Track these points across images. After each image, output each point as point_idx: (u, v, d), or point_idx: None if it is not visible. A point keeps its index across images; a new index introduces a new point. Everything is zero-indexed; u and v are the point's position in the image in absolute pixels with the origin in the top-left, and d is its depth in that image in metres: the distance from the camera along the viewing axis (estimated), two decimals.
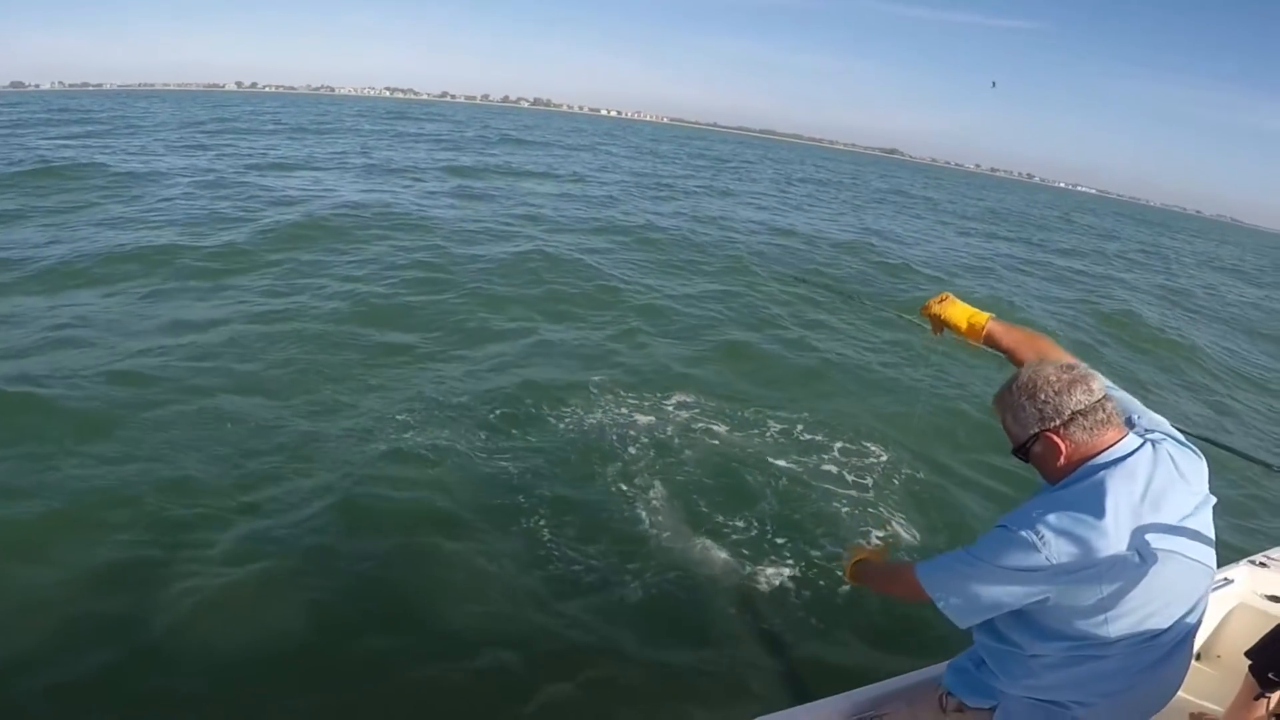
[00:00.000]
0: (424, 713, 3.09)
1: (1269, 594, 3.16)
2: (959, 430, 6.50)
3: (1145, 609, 1.45)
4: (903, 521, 4.90)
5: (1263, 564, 3.33)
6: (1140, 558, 1.40)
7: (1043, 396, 1.54)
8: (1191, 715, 2.84)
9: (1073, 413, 1.51)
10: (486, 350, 7.34)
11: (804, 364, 8.19)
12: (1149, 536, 1.41)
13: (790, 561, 4.29)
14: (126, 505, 4.12)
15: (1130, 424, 1.58)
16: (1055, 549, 1.40)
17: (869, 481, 5.38)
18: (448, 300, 8.97)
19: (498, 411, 5.80)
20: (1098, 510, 1.41)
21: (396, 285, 9.35)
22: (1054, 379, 1.55)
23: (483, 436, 5.41)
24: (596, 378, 6.75)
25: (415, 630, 3.46)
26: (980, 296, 13.24)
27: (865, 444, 5.97)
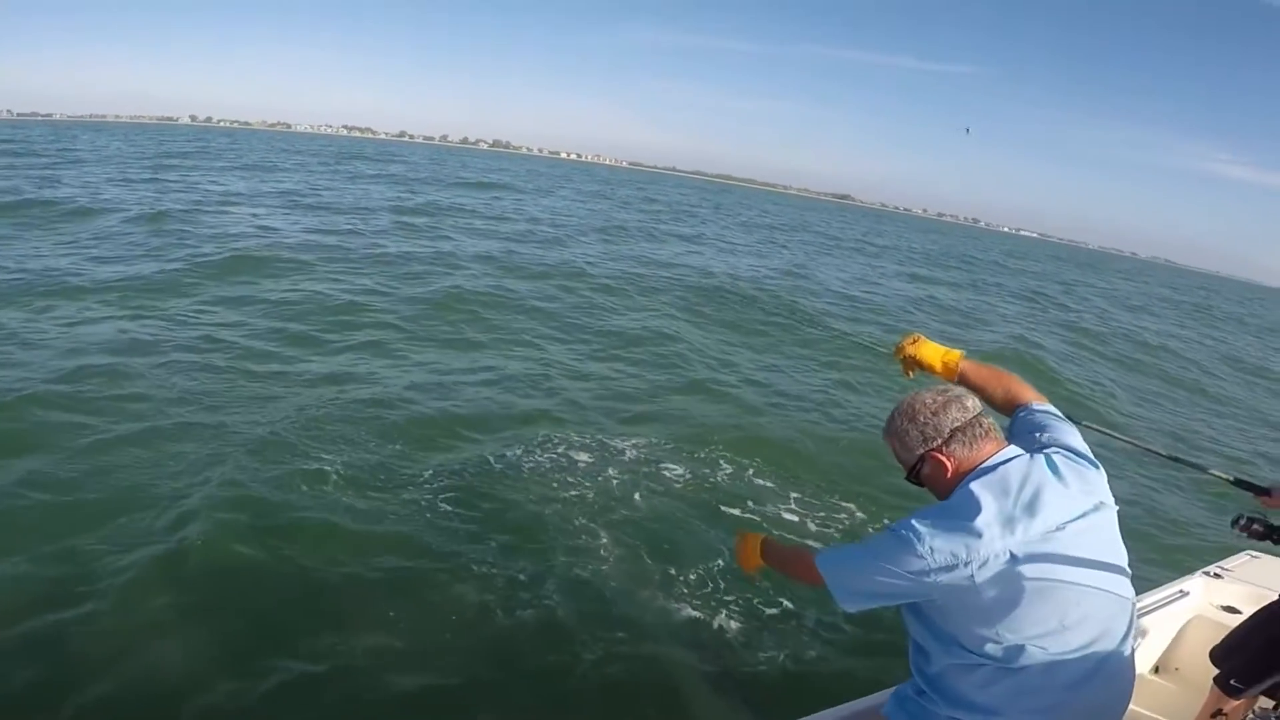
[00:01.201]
0: None
1: (1224, 605, 3.16)
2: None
3: (1039, 614, 1.47)
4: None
5: (1217, 575, 3.35)
6: (1013, 558, 1.44)
7: (922, 419, 1.64)
8: None
9: (951, 430, 1.61)
10: (412, 390, 7.34)
11: (753, 403, 8.37)
12: (1023, 537, 1.45)
13: (729, 600, 4.33)
14: (29, 530, 4.18)
15: (1031, 442, 1.67)
16: (933, 550, 1.46)
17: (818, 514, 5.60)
18: (384, 337, 9.08)
19: (427, 451, 5.77)
20: (969, 513, 1.47)
21: (320, 322, 9.35)
22: (930, 401, 1.66)
23: (410, 476, 5.32)
24: (533, 417, 6.83)
25: (359, 683, 3.38)
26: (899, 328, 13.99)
27: (811, 485, 6.11)
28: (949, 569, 1.45)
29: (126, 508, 4.53)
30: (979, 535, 1.44)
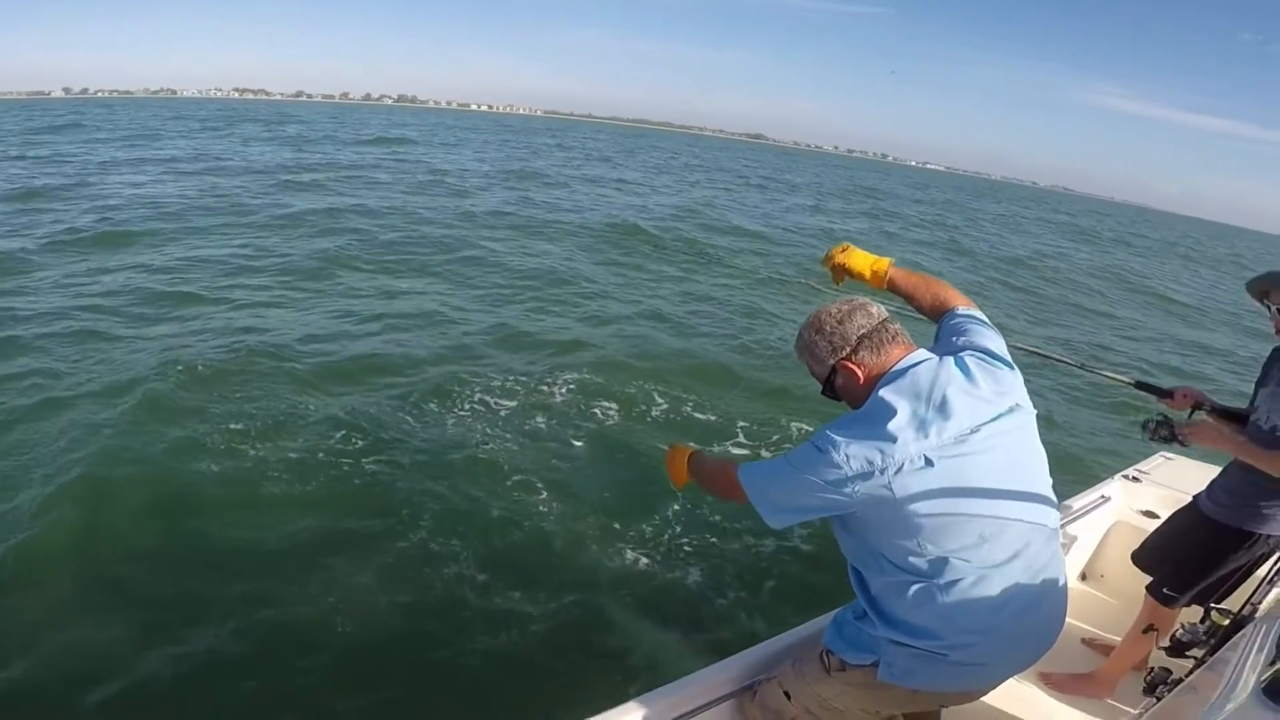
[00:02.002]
0: None
1: (1144, 509, 3.21)
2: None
3: (958, 522, 1.46)
4: None
5: (1135, 478, 3.39)
6: (927, 461, 1.43)
7: (828, 328, 1.63)
8: (1083, 640, 2.85)
9: (858, 337, 1.60)
10: (316, 345, 7.18)
11: (677, 337, 8.57)
12: (936, 440, 1.44)
13: (679, 542, 4.34)
14: None
15: (948, 346, 1.65)
16: (848, 458, 1.44)
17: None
18: (280, 295, 9.01)
19: (356, 413, 5.59)
20: (881, 418, 1.46)
21: (210, 283, 9.22)
22: (835, 311, 1.65)
23: (336, 444, 5.12)
24: (449, 366, 6.72)
25: (289, 656, 3.30)
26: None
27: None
28: (865, 476, 1.44)
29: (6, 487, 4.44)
30: (892, 439, 1.43)
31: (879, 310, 1.66)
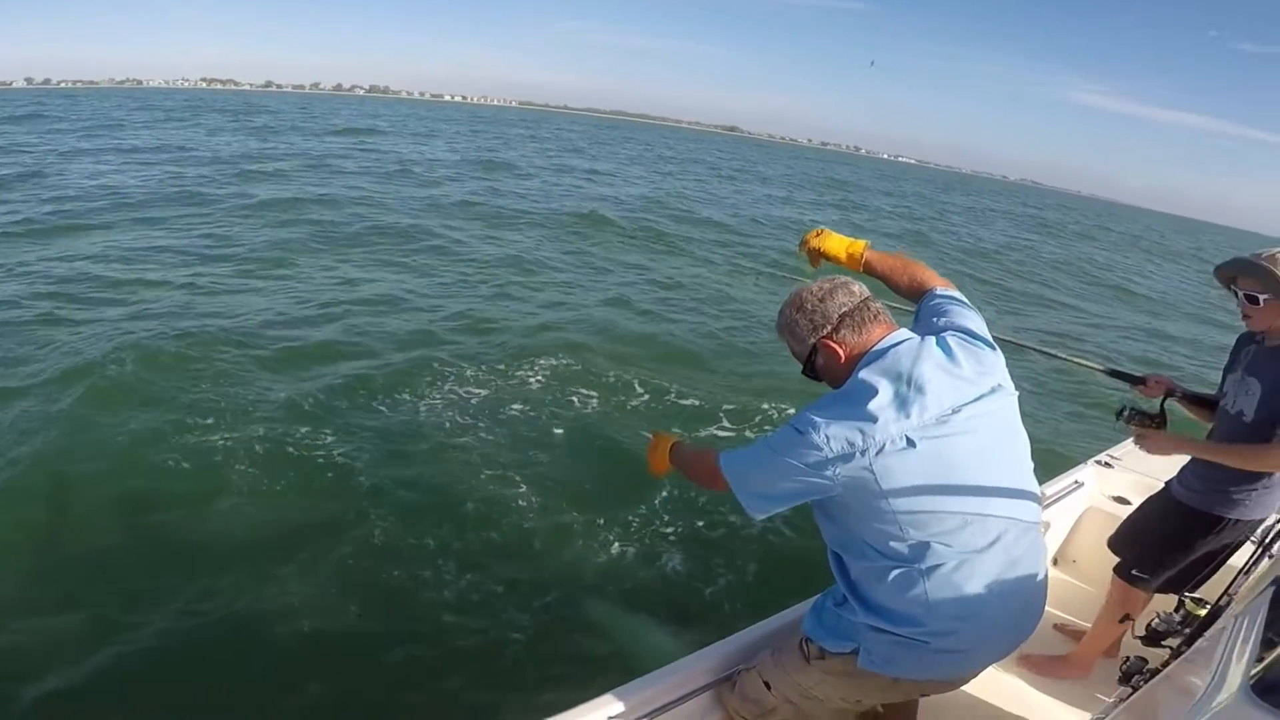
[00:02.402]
0: None
1: (1115, 495, 3.22)
2: None
3: (940, 505, 1.44)
4: None
5: (1107, 464, 3.39)
6: (909, 442, 1.40)
7: (809, 307, 1.61)
8: (1055, 626, 2.84)
9: (839, 316, 1.57)
10: (286, 330, 7.07)
11: (655, 324, 8.56)
12: (918, 421, 1.41)
13: (663, 532, 4.29)
14: None
15: (929, 326, 1.64)
16: (829, 439, 1.41)
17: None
18: (245, 281, 8.87)
19: (321, 403, 5.47)
20: (862, 398, 1.43)
21: (173, 269, 9.09)
22: (816, 290, 1.62)
23: (302, 435, 5.01)
24: (419, 354, 6.63)
25: (248, 653, 3.23)
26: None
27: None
28: (846, 458, 1.41)
29: None
30: (873, 420, 1.40)
31: (861, 289, 1.64)
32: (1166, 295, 19.48)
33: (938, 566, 1.45)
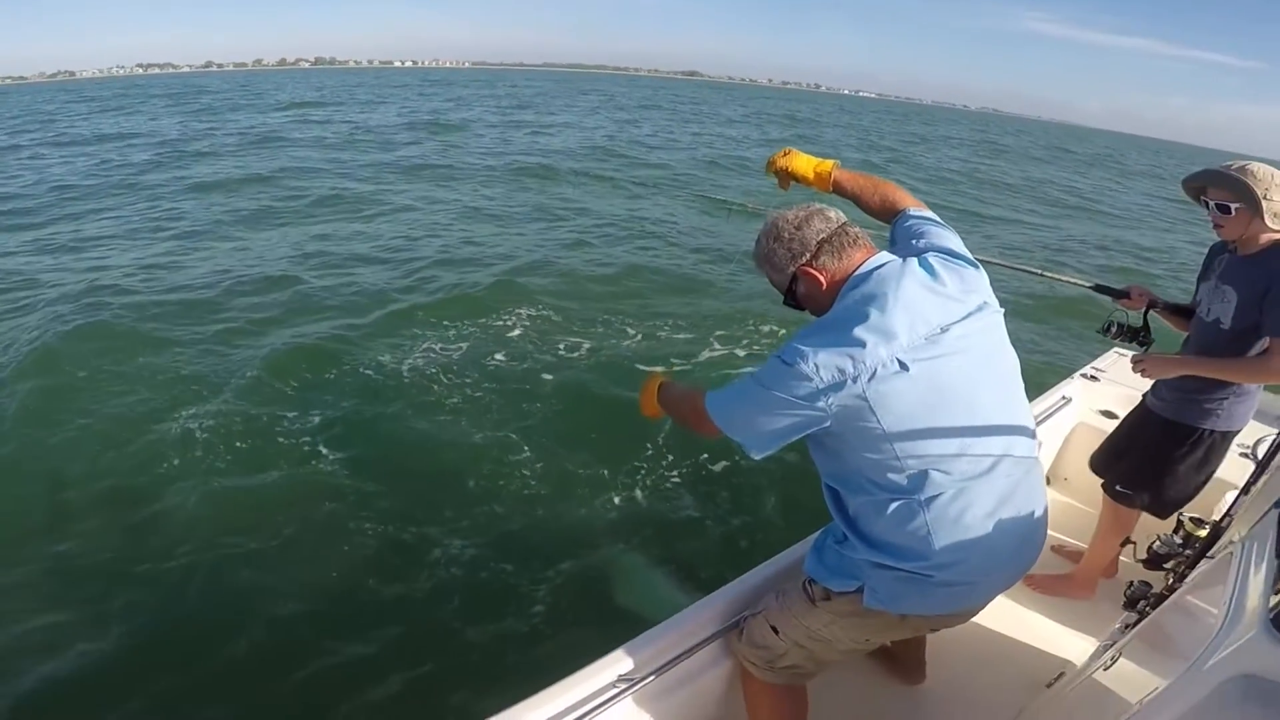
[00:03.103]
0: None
1: (1103, 409, 3.18)
2: None
3: (937, 429, 1.40)
4: None
5: (1093, 377, 3.36)
6: (900, 365, 1.35)
7: (786, 235, 1.56)
8: (1052, 548, 2.82)
9: (818, 242, 1.53)
10: (260, 307, 6.95)
11: (634, 262, 8.63)
12: (907, 342, 1.37)
13: (667, 478, 4.23)
14: None
15: (907, 249, 1.59)
16: (818, 368, 1.36)
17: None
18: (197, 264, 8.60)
19: (300, 373, 5.32)
20: (848, 324, 1.38)
21: (114, 244, 9.00)
22: (792, 218, 1.58)
23: (288, 404, 4.92)
24: (406, 316, 6.55)
25: (262, 637, 3.15)
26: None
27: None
28: (838, 386, 1.35)
29: None
30: (861, 345, 1.35)
31: (837, 214, 1.59)
32: (1131, 210, 19.66)
33: (936, 497, 1.40)
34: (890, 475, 1.42)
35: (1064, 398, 3.16)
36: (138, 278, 7.83)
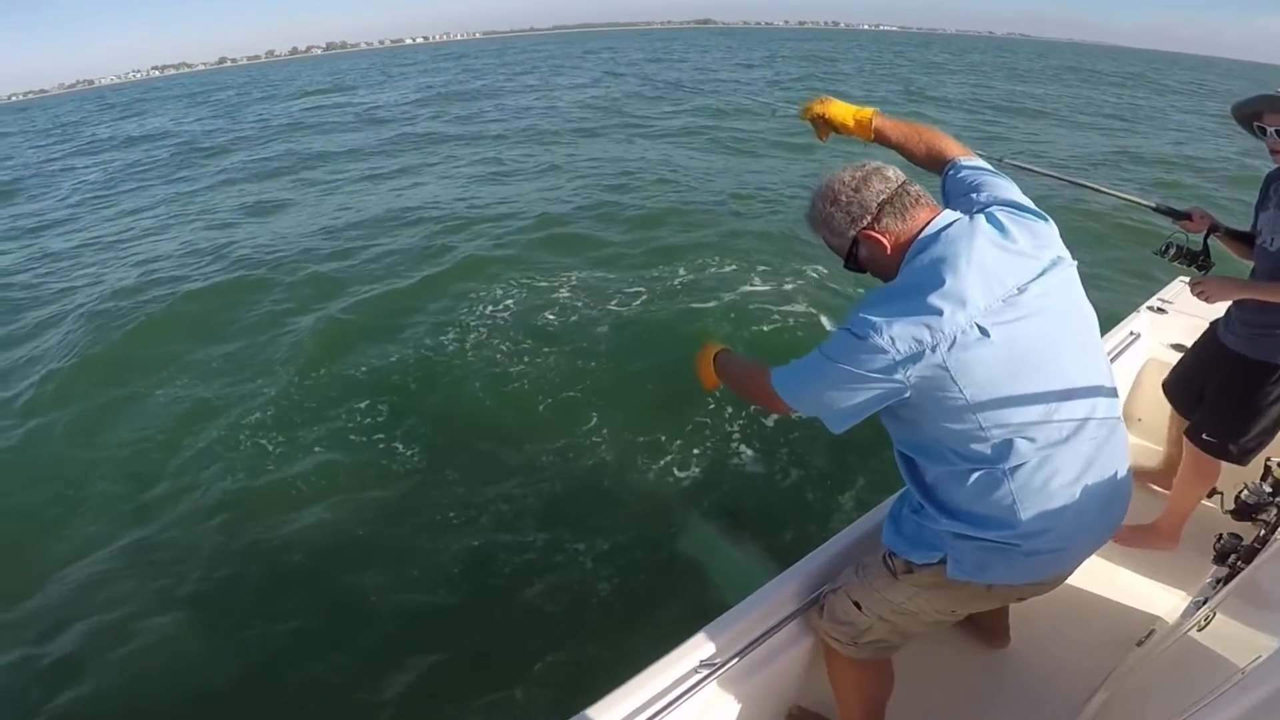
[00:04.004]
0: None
1: (1172, 343, 3.03)
2: None
3: (1022, 395, 1.33)
4: None
5: (1160, 309, 3.23)
6: (981, 330, 1.28)
7: (844, 198, 1.48)
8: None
9: (879, 204, 1.45)
10: (292, 288, 7.11)
11: (672, 208, 8.79)
12: (985, 305, 1.29)
13: (732, 443, 4.17)
14: None
15: (969, 203, 1.50)
16: (894, 340, 1.28)
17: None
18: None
19: (360, 350, 5.42)
20: (922, 290, 1.30)
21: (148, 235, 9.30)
22: (848, 179, 1.49)
23: (348, 385, 5.00)
24: (439, 283, 6.67)
25: (341, 637, 3.18)
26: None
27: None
28: (916, 357, 1.28)
29: None
30: (938, 313, 1.27)
31: (895, 173, 1.50)
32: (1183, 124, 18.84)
33: (1021, 465, 1.34)
34: (973, 445, 1.35)
35: (1132, 333, 3.02)
36: (185, 265, 8.14)
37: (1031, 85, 29.07)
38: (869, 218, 1.46)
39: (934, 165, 1.74)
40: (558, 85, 27.65)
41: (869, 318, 1.32)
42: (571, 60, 46.33)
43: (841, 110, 1.91)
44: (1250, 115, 2.02)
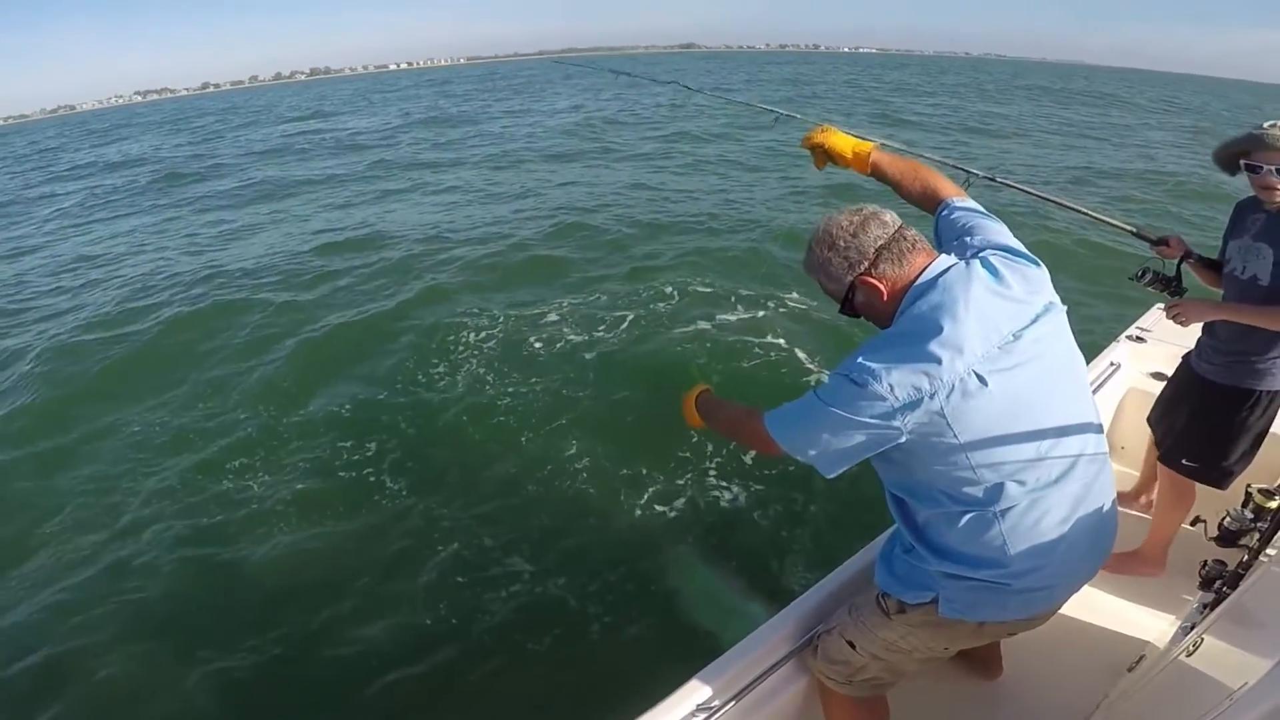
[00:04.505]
0: None
1: (1152, 371, 3.08)
2: None
3: (1015, 439, 1.35)
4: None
5: (1139, 338, 3.27)
6: (979, 378, 1.30)
7: (842, 243, 1.48)
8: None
9: (876, 250, 1.46)
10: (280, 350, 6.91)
11: (655, 225, 8.95)
12: (982, 352, 1.31)
13: (714, 483, 4.14)
14: None
15: (962, 246, 1.53)
16: (893, 387, 1.30)
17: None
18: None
19: (330, 378, 5.40)
20: (920, 337, 1.32)
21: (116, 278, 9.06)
22: (846, 223, 1.50)
23: (333, 414, 4.95)
24: (437, 318, 6.53)
25: (320, 669, 3.16)
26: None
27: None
28: (915, 404, 1.29)
29: None
30: (936, 360, 1.29)
31: (892, 217, 1.51)
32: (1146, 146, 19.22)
33: (1012, 507, 1.36)
34: (965, 489, 1.37)
35: (1112, 363, 3.09)
36: (161, 293, 8.08)
37: (1005, 105, 29.64)
38: (866, 263, 1.47)
39: (927, 204, 1.77)
40: (537, 110, 28.12)
41: (869, 364, 1.33)
42: (554, 84, 46.73)
43: (841, 141, 1.95)
44: (1238, 155, 2.08)
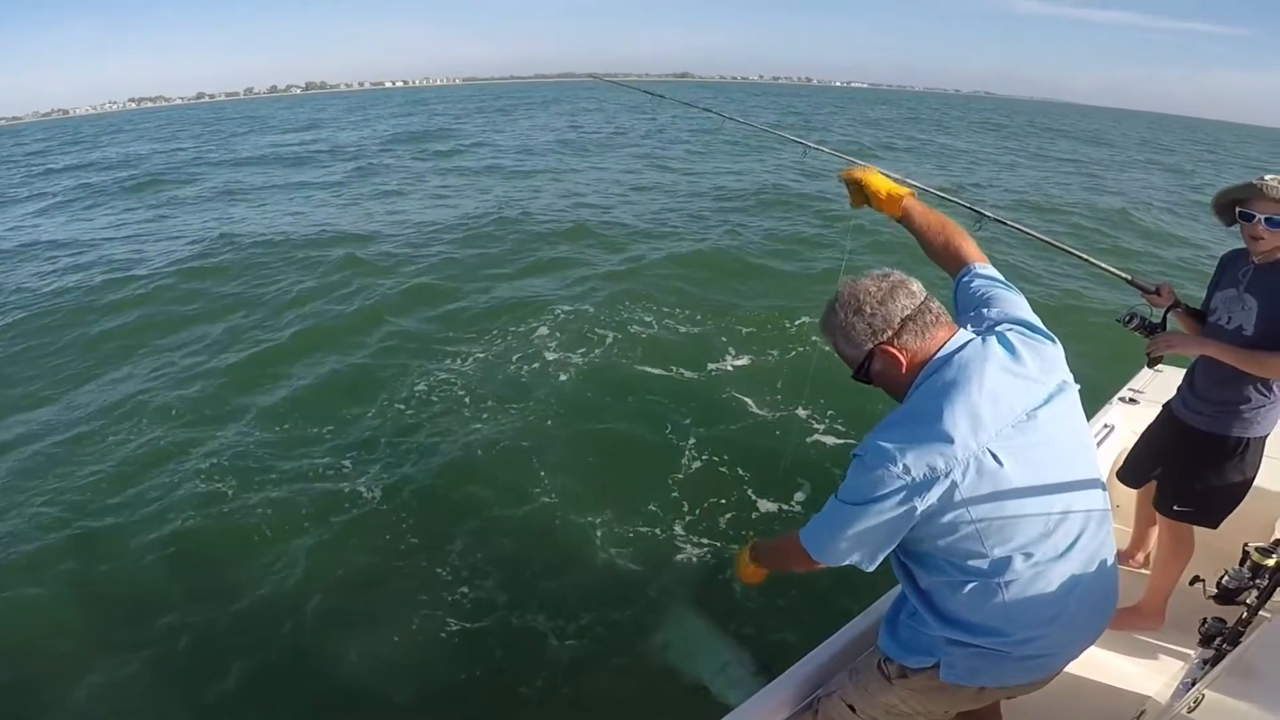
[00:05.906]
0: None
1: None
2: None
3: (1026, 516, 1.35)
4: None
5: (1131, 399, 3.31)
6: (993, 457, 1.31)
7: (868, 309, 1.46)
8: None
9: (902, 320, 1.44)
10: (266, 339, 6.94)
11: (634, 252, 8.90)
12: (996, 431, 1.32)
13: (700, 531, 4.02)
14: None
15: (980, 318, 1.54)
16: (908, 469, 1.31)
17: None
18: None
19: (316, 407, 5.31)
20: (934, 416, 1.32)
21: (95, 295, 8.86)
22: (874, 290, 1.47)
23: (312, 441, 4.86)
24: (408, 346, 6.48)
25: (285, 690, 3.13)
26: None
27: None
28: (930, 484, 1.30)
29: None
30: (950, 440, 1.30)
31: (919, 287, 1.51)
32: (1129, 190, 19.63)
33: (1016, 579, 1.38)
34: (971, 561, 1.38)
35: (1106, 426, 3.14)
36: (143, 298, 8.11)
37: (1005, 139, 30.30)
38: (890, 332, 1.45)
39: (948, 263, 1.77)
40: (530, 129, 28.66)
41: (883, 445, 1.34)
42: (547, 108, 47.29)
43: (880, 182, 1.95)
44: (1235, 202, 2.11)
